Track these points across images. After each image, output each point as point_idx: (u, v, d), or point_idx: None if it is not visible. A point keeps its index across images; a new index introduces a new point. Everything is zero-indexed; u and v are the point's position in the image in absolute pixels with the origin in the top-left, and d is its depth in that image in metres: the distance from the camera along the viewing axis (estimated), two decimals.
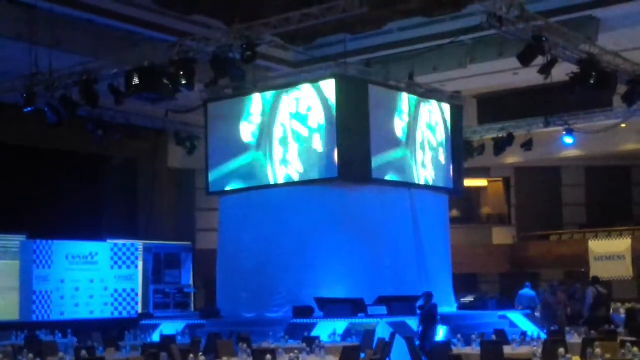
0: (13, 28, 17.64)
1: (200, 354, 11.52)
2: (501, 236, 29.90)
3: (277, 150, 19.99)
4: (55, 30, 17.50)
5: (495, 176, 30.36)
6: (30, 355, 11.38)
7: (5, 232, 21.89)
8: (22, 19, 17.58)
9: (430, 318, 15.52)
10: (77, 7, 18.12)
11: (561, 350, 9.73)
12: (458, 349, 12.65)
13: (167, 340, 15.36)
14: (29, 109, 17.63)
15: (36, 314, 21.77)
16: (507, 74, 21.61)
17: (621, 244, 26.41)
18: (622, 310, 21.11)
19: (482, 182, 30.39)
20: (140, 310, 23.46)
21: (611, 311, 20.35)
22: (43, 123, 18.06)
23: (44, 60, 16.99)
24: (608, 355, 9.48)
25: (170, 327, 18.80)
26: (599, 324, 15.68)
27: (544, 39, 15.27)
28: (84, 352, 11.82)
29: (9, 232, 21.97)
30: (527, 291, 21.97)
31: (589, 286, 18.47)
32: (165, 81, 16.25)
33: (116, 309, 23.43)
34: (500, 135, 24.23)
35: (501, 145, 24.23)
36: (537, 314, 20.26)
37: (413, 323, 16.74)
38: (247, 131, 20.55)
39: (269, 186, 20.09)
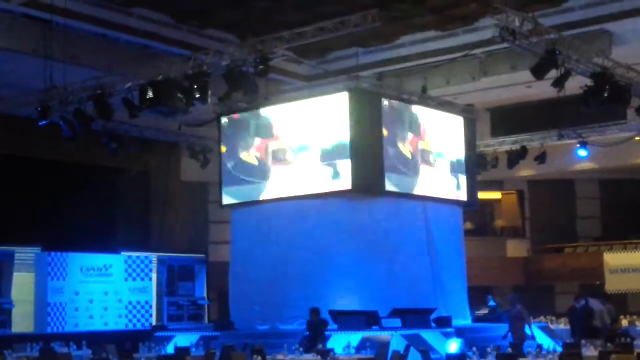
0: (28, 43, 17.78)
1: None
2: (515, 249, 29.82)
3: (290, 163, 20.02)
4: (70, 45, 17.64)
5: (509, 189, 30.30)
6: None
7: (21, 244, 21.98)
8: (38, 34, 17.70)
9: (319, 330, 16.07)
10: (92, 22, 18.27)
11: None
12: None
13: (181, 352, 15.38)
14: (44, 122, 17.75)
15: (51, 326, 21.83)
16: (520, 87, 21.59)
17: (637, 257, 26.29)
18: (639, 323, 21.01)
19: (496, 195, 30.32)
20: (154, 323, 23.50)
21: (626, 324, 20.22)
22: (58, 137, 18.17)
23: (58, 74, 17.11)
24: None
25: (184, 339, 18.82)
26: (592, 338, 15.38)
27: (558, 52, 15.26)
28: None
29: (24, 245, 22.04)
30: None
31: (580, 300, 18.21)
32: (179, 95, 16.33)
33: (130, 321, 23.50)
34: (514, 148, 24.20)
35: (515, 159, 24.19)
36: None
37: (428, 336, 16.72)
38: (260, 145, 20.61)
39: (282, 199, 20.11)
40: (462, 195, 21.74)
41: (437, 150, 21.03)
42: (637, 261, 26.20)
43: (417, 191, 20.34)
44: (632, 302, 26.78)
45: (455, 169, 21.57)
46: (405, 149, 20.13)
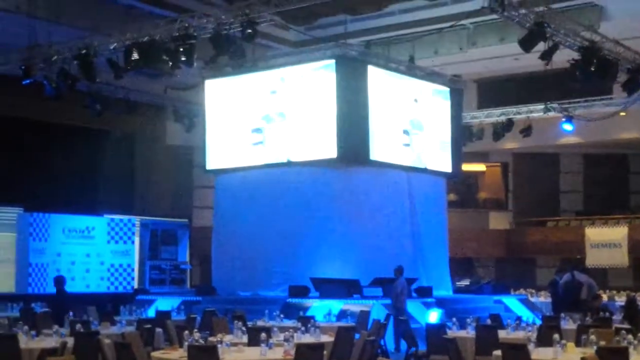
0: (12, 0, 17.53)
1: (196, 330, 11.52)
2: (498, 221, 29.95)
3: (276, 129, 19.94)
4: (55, 4, 17.41)
5: (494, 161, 30.38)
6: (25, 328, 11.36)
7: (2, 204, 21.87)
8: None
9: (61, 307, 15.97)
10: None
11: (556, 336, 9.73)
12: (453, 332, 12.63)
13: (162, 315, 15.36)
14: (27, 81, 17.57)
15: (32, 287, 21.80)
16: (507, 59, 21.57)
17: (618, 232, 26.46)
18: (618, 298, 21.18)
19: (480, 167, 30.40)
20: (136, 286, 23.51)
21: (606, 299, 20.38)
22: (41, 96, 17.99)
23: (43, 33, 16.91)
24: (602, 342, 9.48)
25: (165, 303, 18.84)
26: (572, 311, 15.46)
27: (546, 25, 15.22)
28: (78, 326, 11.81)
29: (6, 205, 21.94)
30: None
31: (566, 272, 18.33)
32: (165, 57, 16.19)
33: (112, 283, 23.49)
34: (500, 121, 24.23)
35: (500, 131, 24.23)
36: None
37: (408, 305, 16.73)
38: (246, 110, 20.50)
39: (266, 166, 20.06)
40: (446, 166, 21.75)
41: (422, 120, 20.98)
42: (617, 236, 26.37)
43: (402, 161, 20.33)
44: (612, 276, 26.99)
45: (440, 139, 21.54)
46: (391, 118, 20.07)
